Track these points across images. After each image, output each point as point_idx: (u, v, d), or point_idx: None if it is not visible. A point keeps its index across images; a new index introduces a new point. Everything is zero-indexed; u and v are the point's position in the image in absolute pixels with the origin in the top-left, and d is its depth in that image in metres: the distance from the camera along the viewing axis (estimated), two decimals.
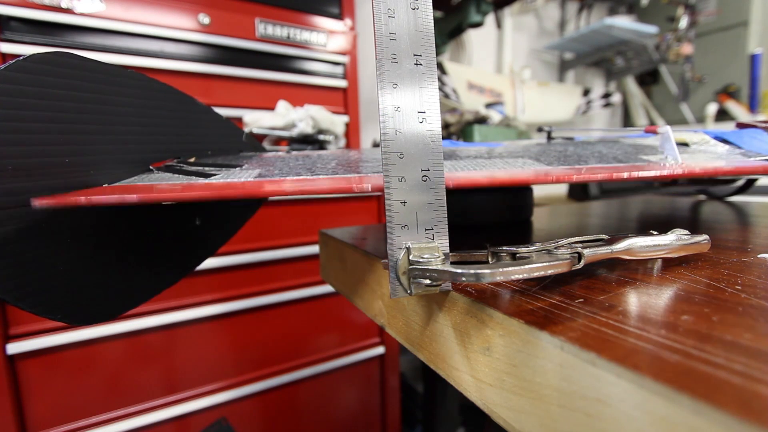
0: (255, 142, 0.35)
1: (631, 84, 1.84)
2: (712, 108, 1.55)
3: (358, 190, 0.16)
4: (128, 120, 0.24)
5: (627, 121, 1.93)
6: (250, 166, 0.24)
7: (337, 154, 0.28)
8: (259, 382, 0.73)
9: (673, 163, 0.24)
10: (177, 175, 0.22)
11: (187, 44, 0.67)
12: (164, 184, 0.16)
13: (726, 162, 0.24)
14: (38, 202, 0.16)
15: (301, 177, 0.20)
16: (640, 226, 0.33)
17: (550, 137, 0.37)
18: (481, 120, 0.97)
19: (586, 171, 0.18)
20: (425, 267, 0.15)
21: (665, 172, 0.20)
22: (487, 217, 0.33)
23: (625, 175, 0.19)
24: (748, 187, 0.52)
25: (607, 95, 1.66)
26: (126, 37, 0.62)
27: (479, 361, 0.15)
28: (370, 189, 0.16)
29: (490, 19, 1.37)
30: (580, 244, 0.17)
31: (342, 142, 0.75)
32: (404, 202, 0.15)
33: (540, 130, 0.38)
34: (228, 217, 0.32)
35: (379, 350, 0.86)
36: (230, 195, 0.16)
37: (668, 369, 0.09)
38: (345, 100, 0.83)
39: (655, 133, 0.27)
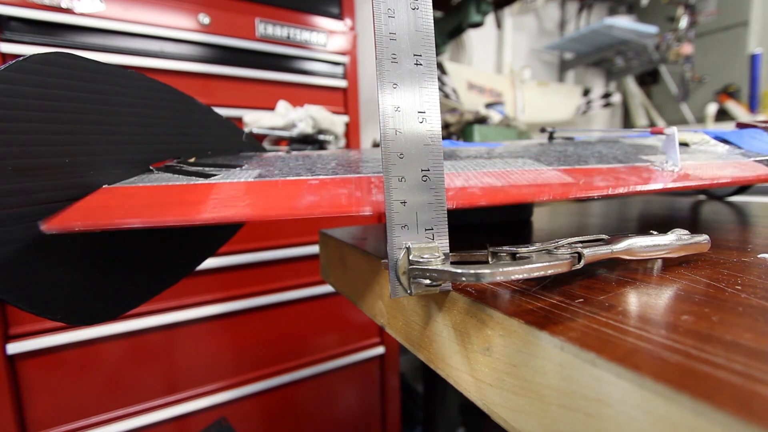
0: (255, 142, 0.35)
1: (631, 84, 1.84)
2: (712, 108, 1.55)
3: (356, 213, 0.16)
4: (128, 120, 0.24)
5: (627, 121, 1.93)
6: (250, 166, 0.24)
7: (337, 154, 0.28)
8: (259, 382, 0.73)
9: (672, 168, 0.24)
10: (177, 176, 0.22)
11: (187, 44, 0.67)
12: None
13: (728, 171, 0.24)
14: (45, 227, 0.17)
15: (300, 177, 0.20)
16: (640, 226, 0.33)
17: (551, 137, 0.37)
18: (481, 120, 0.97)
19: (583, 184, 0.19)
20: (425, 267, 0.15)
21: (661, 186, 0.20)
22: (487, 217, 0.33)
23: (622, 190, 0.19)
24: (748, 187, 0.52)
25: (607, 95, 1.66)
26: (126, 37, 0.62)
27: (479, 361, 0.15)
28: (369, 212, 0.16)
29: (490, 19, 1.37)
30: (580, 244, 0.17)
31: (342, 142, 0.75)
32: (404, 202, 0.15)
33: (543, 130, 0.38)
34: None
35: (379, 350, 0.86)
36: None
37: (668, 369, 0.09)
38: (345, 100, 0.83)
39: (661, 133, 0.27)
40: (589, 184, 0.19)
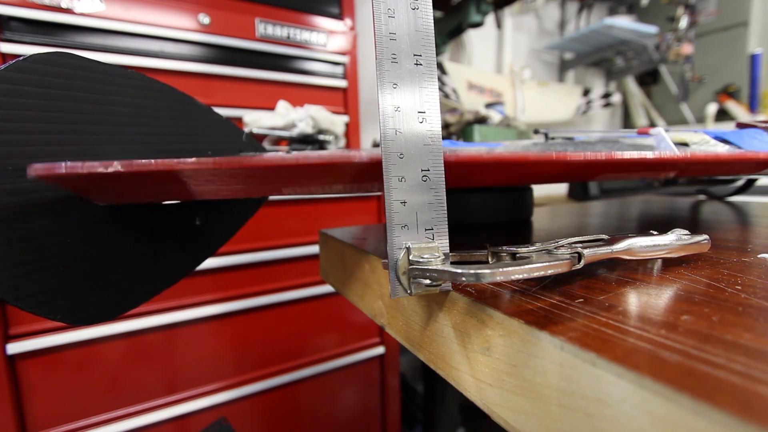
0: (255, 142, 0.35)
1: (631, 84, 1.84)
2: (712, 108, 1.55)
3: (358, 160, 0.16)
4: (128, 120, 0.24)
5: (627, 121, 1.93)
6: None
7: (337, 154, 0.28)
8: (259, 382, 0.73)
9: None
10: None
11: (187, 44, 0.67)
12: (144, 161, 0.15)
13: (727, 149, 0.24)
14: (32, 171, 0.16)
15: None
16: (640, 226, 0.33)
17: (548, 137, 0.37)
18: (481, 120, 0.97)
19: (590, 154, 0.18)
20: (425, 267, 0.15)
21: (666, 156, 0.20)
22: (487, 217, 0.33)
23: (626, 155, 0.19)
24: (748, 187, 0.52)
25: (607, 95, 1.66)
26: (126, 37, 0.62)
27: (479, 361, 0.15)
28: (365, 158, 0.16)
29: (490, 19, 1.37)
30: (580, 244, 0.17)
31: (342, 142, 0.75)
32: (404, 202, 0.15)
33: (536, 132, 0.38)
34: (228, 217, 0.32)
35: (379, 350, 0.86)
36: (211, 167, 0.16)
37: (668, 369, 0.09)
38: (345, 100, 0.83)
39: (647, 134, 0.27)
40: (589, 153, 0.19)
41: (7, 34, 0.55)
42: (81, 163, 0.16)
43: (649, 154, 0.20)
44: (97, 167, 0.15)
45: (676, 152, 0.24)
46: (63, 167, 0.16)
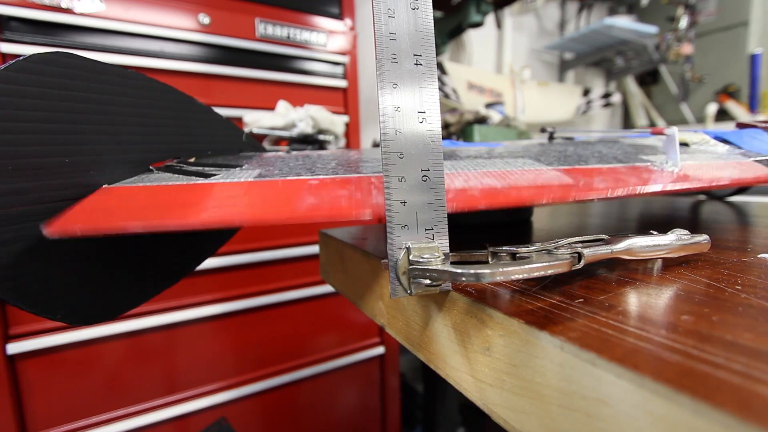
0: (255, 142, 0.35)
1: (631, 84, 1.84)
2: (712, 108, 1.55)
3: (356, 217, 0.16)
4: (128, 120, 0.24)
5: (627, 121, 1.93)
6: (250, 166, 0.24)
7: (337, 154, 0.28)
8: (259, 382, 0.73)
9: (672, 168, 0.24)
10: (177, 175, 0.22)
11: (187, 44, 0.67)
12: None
13: (727, 172, 0.24)
14: (47, 231, 0.16)
15: (300, 177, 0.20)
16: (640, 226, 0.33)
17: (551, 137, 0.37)
18: (481, 120, 0.97)
19: (583, 185, 0.19)
20: (425, 267, 0.15)
21: (659, 187, 0.21)
22: (487, 217, 0.33)
23: (621, 192, 0.19)
24: (748, 187, 0.52)
25: (607, 95, 1.66)
26: (126, 37, 0.62)
27: (479, 361, 0.15)
28: (369, 216, 0.16)
29: (490, 19, 1.37)
30: (580, 244, 0.17)
31: (342, 142, 0.75)
32: (404, 202, 0.15)
33: (543, 130, 0.38)
34: None
35: (379, 350, 0.86)
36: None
37: (668, 369, 0.09)
38: (345, 100, 0.83)
39: (662, 134, 0.27)
40: (589, 186, 0.19)
41: (7, 34, 0.55)
42: (96, 225, 0.16)
43: (647, 188, 0.20)
44: (114, 229, 0.16)
45: (678, 162, 0.24)
46: (78, 230, 0.16)
